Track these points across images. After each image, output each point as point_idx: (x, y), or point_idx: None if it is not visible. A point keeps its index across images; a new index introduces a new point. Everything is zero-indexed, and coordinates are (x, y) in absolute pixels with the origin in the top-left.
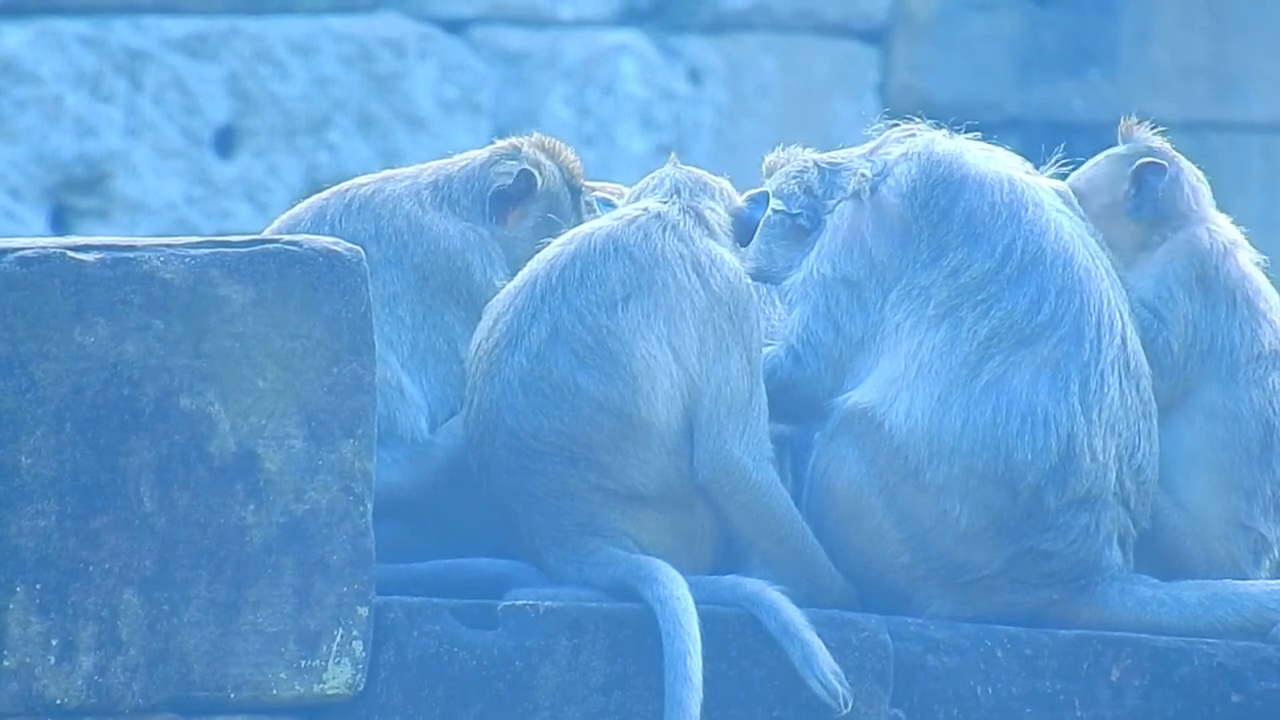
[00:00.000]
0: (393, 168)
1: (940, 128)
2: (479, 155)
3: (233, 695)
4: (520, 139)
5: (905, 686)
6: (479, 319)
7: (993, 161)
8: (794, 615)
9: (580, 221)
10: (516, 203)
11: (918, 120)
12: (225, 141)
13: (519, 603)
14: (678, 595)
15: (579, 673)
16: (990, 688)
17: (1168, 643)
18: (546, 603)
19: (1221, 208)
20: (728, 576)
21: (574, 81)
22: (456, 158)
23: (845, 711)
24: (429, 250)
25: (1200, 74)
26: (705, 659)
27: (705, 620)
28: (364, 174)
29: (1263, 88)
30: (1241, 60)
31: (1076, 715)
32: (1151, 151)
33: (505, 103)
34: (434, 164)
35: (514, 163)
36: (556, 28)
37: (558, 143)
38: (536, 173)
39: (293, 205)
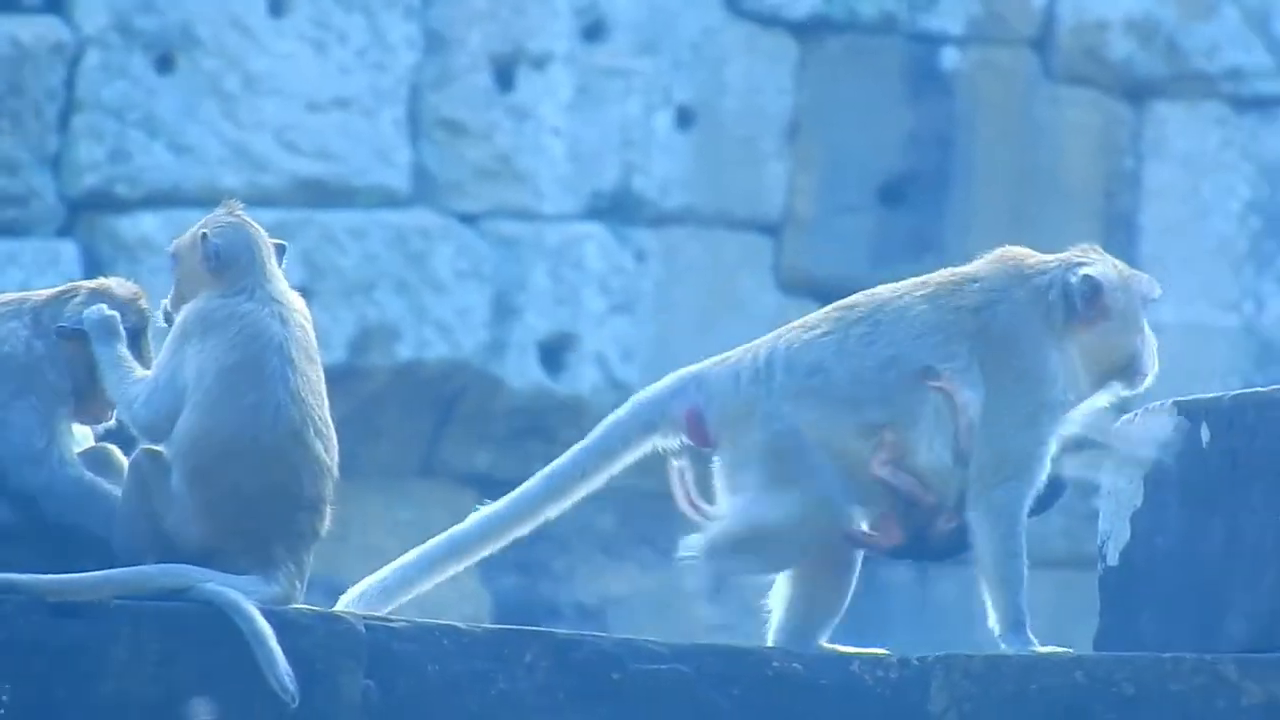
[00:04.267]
0: (422, 322)
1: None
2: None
3: None
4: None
5: (375, 665)
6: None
7: None
8: (262, 624)
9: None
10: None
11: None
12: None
13: (93, 600)
14: (223, 590)
15: (138, 651)
16: (438, 665)
17: (567, 635)
18: (115, 601)
19: None
20: (209, 585)
21: (552, 259)
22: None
23: (294, 706)
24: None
25: None
26: (183, 652)
27: (199, 618)
28: (400, 329)
29: None
30: (1036, 249)
31: (500, 687)
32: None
33: (502, 273)
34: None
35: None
36: (541, 220)
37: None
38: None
39: (348, 352)
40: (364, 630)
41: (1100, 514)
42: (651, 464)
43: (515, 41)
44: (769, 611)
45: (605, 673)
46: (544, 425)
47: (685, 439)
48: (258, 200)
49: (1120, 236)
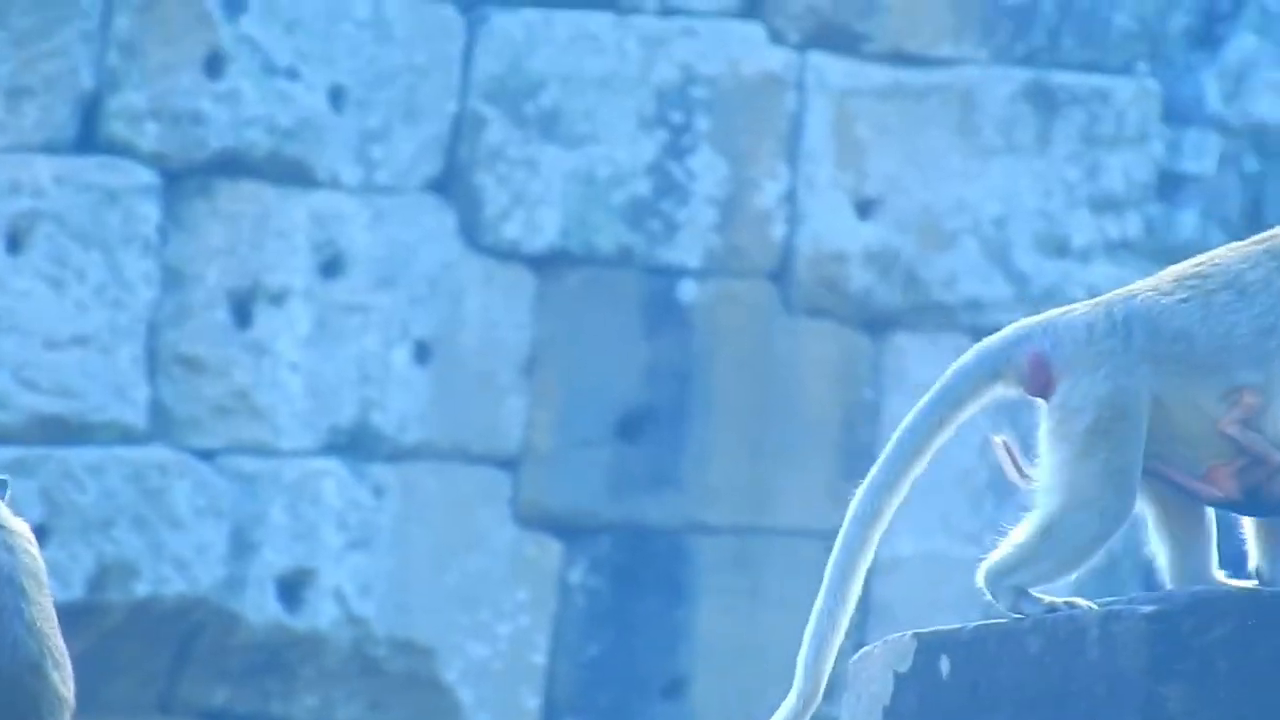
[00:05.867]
0: (159, 559)
1: None
2: None
3: None
4: None
5: None
6: None
7: None
8: None
9: None
10: None
11: None
12: (37, 536)
13: None
14: None
15: None
16: None
17: None
18: None
19: (762, 603)
20: None
21: (290, 494)
22: None
23: None
24: None
25: (743, 491)
26: None
27: None
28: (138, 566)
29: (788, 502)
30: (772, 481)
31: None
32: None
33: (240, 509)
34: None
35: None
36: (279, 456)
37: None
38: None
39: (86, 589)
40: None
41: None
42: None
43: (253, 277)
44: (1154, 559)
45: None
46: (282, 661)
47: (1025, 386)
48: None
49: (860, 468)
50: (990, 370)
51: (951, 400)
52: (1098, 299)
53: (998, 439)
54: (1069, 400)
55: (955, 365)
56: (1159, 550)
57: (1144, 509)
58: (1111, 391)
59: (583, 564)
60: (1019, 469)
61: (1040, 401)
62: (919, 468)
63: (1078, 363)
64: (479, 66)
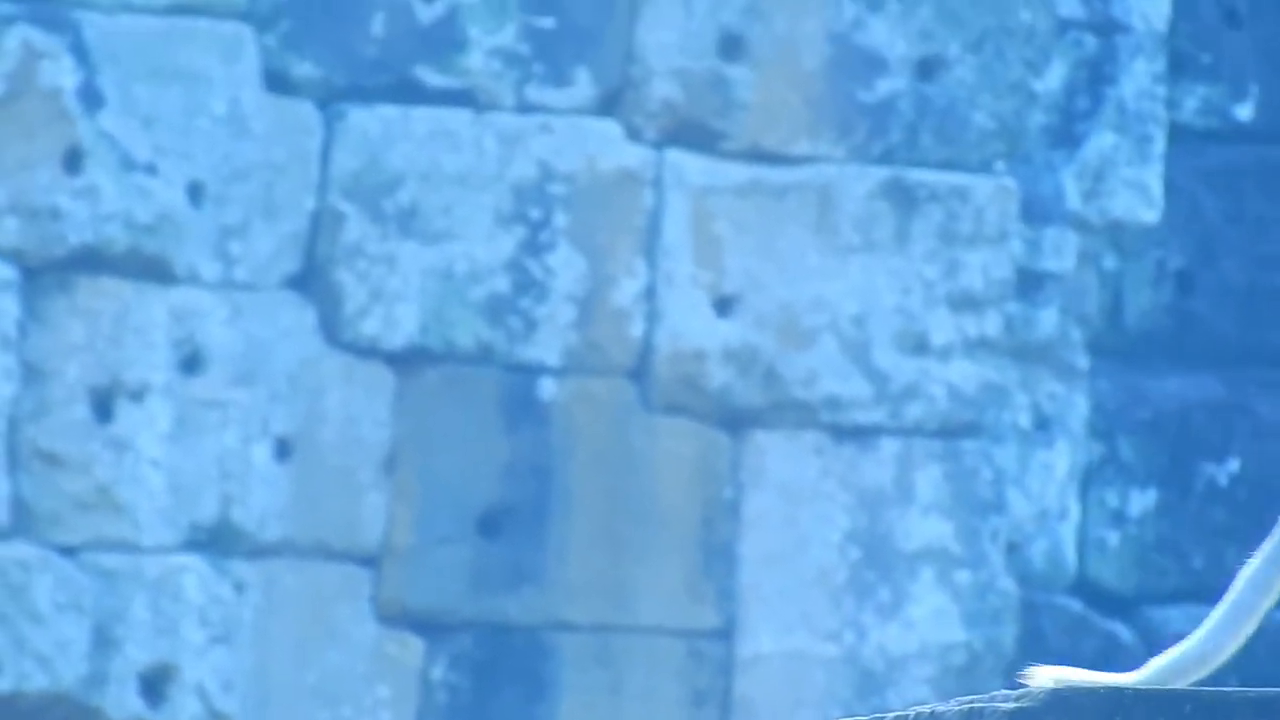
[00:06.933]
0: (21, 654)
1: None
2: None
3: None
4: None
5: None
6: None
7: None
8: None
9: None
10: None
11: None
12: None
13: None
14: None
15: None
16: None
17: None
18: None
19: (623, 699)
20: None
21: (151, 591)
22: None
23: None
24: None
25: (603, 589)
26: None
27: None
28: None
29: (648, 599)
30: (632, 579)
31: None
32: None
33: (102, 605)
34: None
35: None
36: (140, 552)
37: None
38: None
39: None
40: None
41: None
42: None
43: (112, 373)
44: None
45: None
46: None
47: None
48: None
49: (720, 566)
50: None
51: None
52: None
53: None
54: None
55: None
56: None
57: None
58: None
59: (444, 661)
60: None
61: None
62: None
63: None
64: (337, 163)
